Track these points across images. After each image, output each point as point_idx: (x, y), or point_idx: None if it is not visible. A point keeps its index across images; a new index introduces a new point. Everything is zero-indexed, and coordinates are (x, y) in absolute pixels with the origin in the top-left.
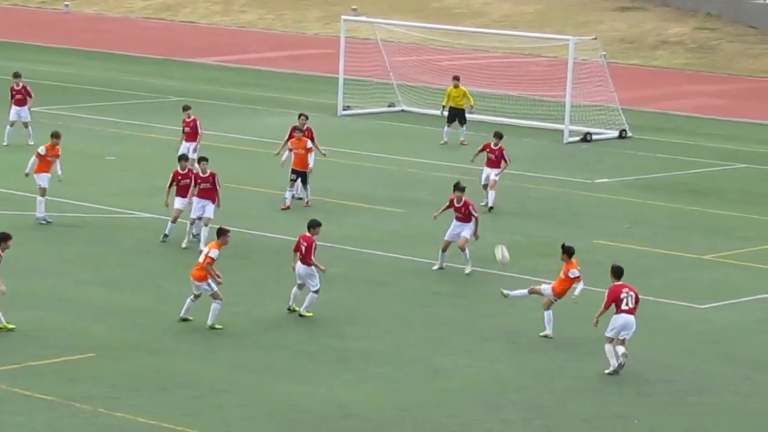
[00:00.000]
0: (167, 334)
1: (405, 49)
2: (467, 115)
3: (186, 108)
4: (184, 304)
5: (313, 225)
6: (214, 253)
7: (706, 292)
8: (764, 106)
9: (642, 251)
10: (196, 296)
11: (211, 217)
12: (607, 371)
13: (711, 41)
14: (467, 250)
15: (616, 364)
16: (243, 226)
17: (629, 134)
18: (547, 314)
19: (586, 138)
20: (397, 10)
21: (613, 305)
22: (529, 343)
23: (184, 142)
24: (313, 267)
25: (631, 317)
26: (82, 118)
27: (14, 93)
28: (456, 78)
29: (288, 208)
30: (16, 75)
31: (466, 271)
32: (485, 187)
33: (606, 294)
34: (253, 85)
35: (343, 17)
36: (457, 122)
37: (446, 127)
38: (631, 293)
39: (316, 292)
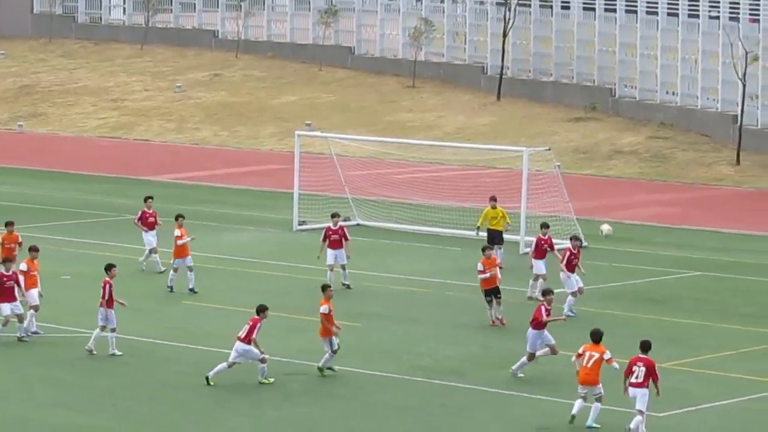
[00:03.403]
0: None
1: (359, 163)
2: (504, 235)
3: (334, 216)
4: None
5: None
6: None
7: (664, 401)
8: (718, 214)
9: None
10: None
11: None
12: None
13: (664, 150)
14: None
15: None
16: (200, 344)
17: (585, 244)
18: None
19: None
20: (350, 125)
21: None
22: None
23: (329, 249)
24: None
25: (637, 390)
26: (38, 237)
27: None
28: (493, 199)
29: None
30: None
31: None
32: (537, 278)
33: None
34: (208, 201)
35: (297, 132)
36: (495, 245)
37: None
38: (642, 368)
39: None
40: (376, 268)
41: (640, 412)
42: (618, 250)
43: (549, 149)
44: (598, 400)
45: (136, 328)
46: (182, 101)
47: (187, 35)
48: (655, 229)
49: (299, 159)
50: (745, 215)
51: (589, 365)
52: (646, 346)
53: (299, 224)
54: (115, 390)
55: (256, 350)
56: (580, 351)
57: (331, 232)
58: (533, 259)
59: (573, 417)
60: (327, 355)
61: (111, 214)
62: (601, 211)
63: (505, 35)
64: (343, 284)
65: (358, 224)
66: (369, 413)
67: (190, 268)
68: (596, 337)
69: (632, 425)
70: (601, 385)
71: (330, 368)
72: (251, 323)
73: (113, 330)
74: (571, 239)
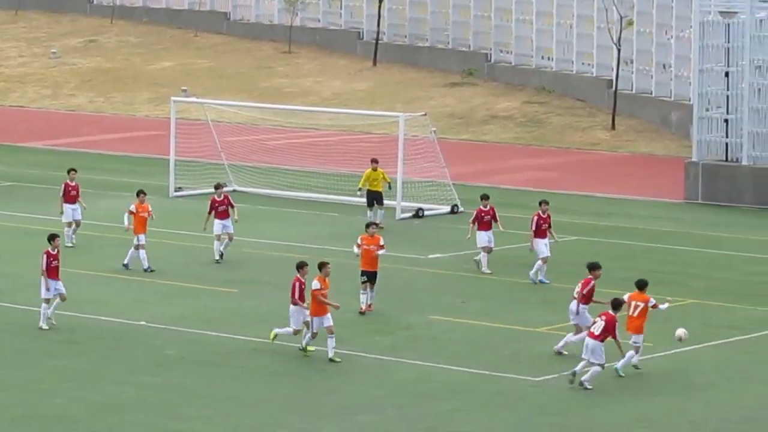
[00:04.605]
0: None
1: (236, 129)
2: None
3: (218, 186)
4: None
5: (300, 266)
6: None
7: (540, 365)
8: (594, 178)
9: (477, 325)
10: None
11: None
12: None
13: (540, 115)
14: None
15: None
16: (77, 310)
17: (461, 209)
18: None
19: (418, 214)
20: (226, 91)
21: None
22: (364, 422)
23: (216, 220)
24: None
25: (591, 341)
26: None
27: None
28: (374, 161)
29: (363, 311)
30: None
31: None
32: (486, 250)
33: None
34: (84, 168)
35: (173, 98)
36: (376, 205)
37: (369, 212)
38: (601, 322)
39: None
40: (253, 234)
41: (592, 364)
42: None
43: (425, 114)
44: (636, 349)
45: (10, 296)
46: (57, 67)
47: (61, 0)
48: (532, 193)
49: (175, 125)
50: (620, 179)
51: (635, 314)
52: (615, 305)
53: (176, 190)
54: None
55: (303, 312)
56: (625, 299)
57: (217, 203)
58: (476, 231)
59: (636, 366)
60: (308, 335)
61: None
62: (478, 176)
63: (380, 0)
64: (219, 257)
65: (234, 190)
66: (246, 379)
67: (142, 246)
68: (641, 284)
69: (588, 377)
70: (643, 335)
71: (302, 349)
72: (291, 283)
73: (62, 299)
74: (540, 204)
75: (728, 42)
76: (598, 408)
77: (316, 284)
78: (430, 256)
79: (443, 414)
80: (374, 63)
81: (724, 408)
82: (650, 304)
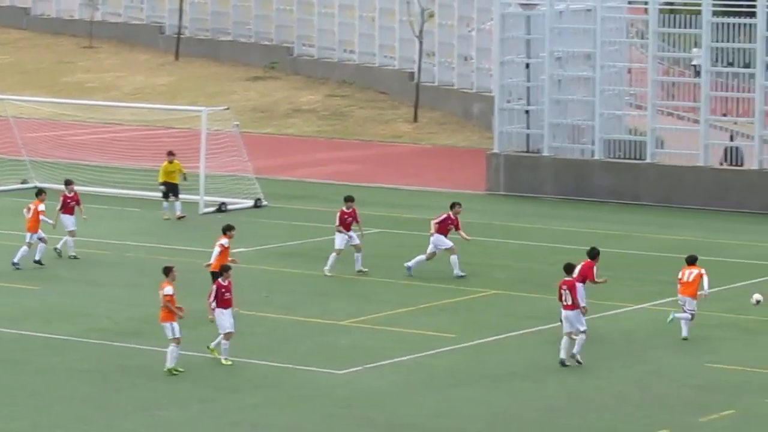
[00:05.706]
0: None
1: (37, 125)
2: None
3: (68, 183)
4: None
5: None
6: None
7: (344, 358)
8: (396, 170)
9: (280, 319)
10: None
11: None
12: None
13: (342, 108)
14: None
15: (563, 357)
16: None
17: (264, 203)
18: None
19: (221, 208)
20: (27, 86)
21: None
22: (167, 417)
23: (68, 216)
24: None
25: (568, 312)
26: None
27: None
28: (170, 153)
29: None
30: None
31: None
32: (357, 248)
33: None
34: None
35: None
36: (172, 197)
37: (165, 203)
38: (568, 291)
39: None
40: (56, 230)
41: (582, 331)
42: (298, 208)
43: (227, 108)
44: (692, 314)
45: None
46: None
47: None
48: (335, 186)
49: None
50: (423, 171)
51: (690, 279)
52: (567, 269)
53: None
54: None
55: (222, 318)
56: (680, 275)
57: (68, 200)
58: (336, 233)
59: (685, 338)
60: (171, 347)
61: None
62: (282, 169)
63: None
64: (55, 250)
65: (35, 187)
66: (48, 376)
67: (43, 240)
68: (692, 259)
69: (573, 359)
70: (696, 302)
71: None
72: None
73: None
74: (452, 206)
75: (529, 34)
76: (402, 399)
77: (169, 290)
78: (234, 251)
79: (247, 408)
80: (176, 57)
81: (527, 397)
82: (702, 272)
